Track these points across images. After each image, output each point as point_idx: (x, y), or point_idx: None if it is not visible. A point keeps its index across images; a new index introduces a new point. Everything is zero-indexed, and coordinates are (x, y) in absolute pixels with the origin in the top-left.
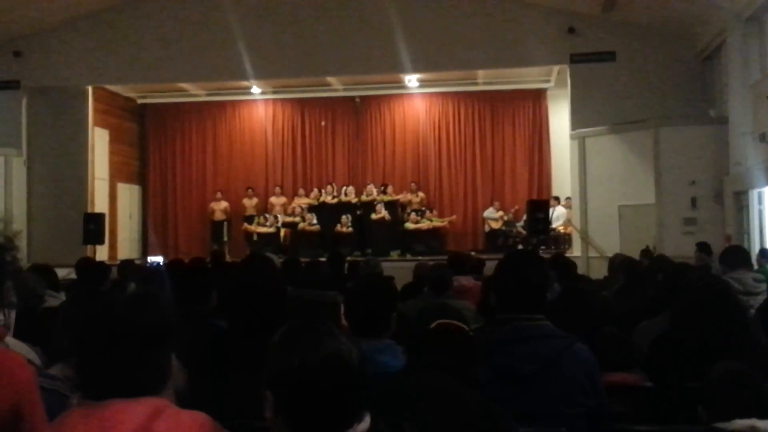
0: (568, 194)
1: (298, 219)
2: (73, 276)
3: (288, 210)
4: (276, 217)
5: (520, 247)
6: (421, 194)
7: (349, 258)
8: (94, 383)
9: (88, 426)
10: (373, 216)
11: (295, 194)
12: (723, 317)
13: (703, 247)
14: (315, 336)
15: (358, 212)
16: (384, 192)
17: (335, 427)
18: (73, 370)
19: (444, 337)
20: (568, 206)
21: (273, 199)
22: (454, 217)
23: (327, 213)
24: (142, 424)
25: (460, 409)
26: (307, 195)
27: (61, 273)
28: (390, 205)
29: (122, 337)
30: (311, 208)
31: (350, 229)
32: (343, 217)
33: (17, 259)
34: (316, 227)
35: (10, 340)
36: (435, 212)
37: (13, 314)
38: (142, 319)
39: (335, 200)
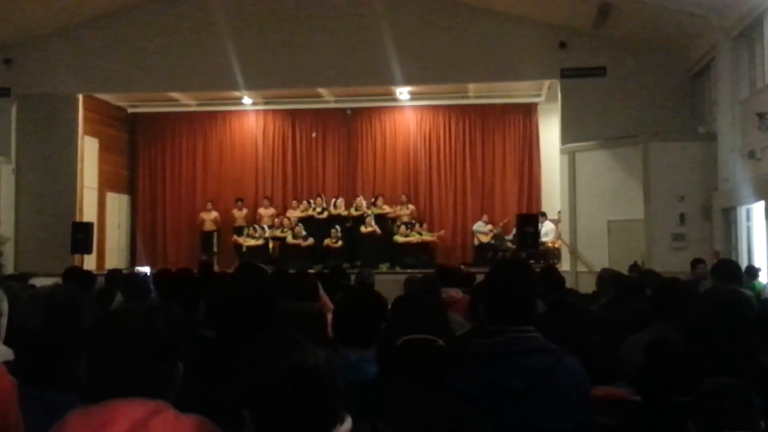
0: (558, 208)
1: (287, 233)
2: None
3: (276, 222)
4: (264, 229)
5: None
6: (411, 207)
7: None
8: (100, 387)
9: (89, 423)
10: (363, 229)
11: (286, 205)
12: (735, 331)
13: (700, 262)
14: (277, 348)
15: (348, 225)
16: (374, 204)
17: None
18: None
19: (412, 353)
20: (557, 221)
21: (261, 211)
22: (443, 231)
23: (316, 225)
24: (139, 421)
25: (435, 415)
26: (296, 207)
27: (48, 282)
28: (380, 218)
29: (132, 348)
30: (300, 220)
31: (340, 242)
32: (333, 229)
33: (2, 265)
34: (308, 241)
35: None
36: (425, 225)
37: (2, 321)
38: (152, 332)
39: (325, 214)
